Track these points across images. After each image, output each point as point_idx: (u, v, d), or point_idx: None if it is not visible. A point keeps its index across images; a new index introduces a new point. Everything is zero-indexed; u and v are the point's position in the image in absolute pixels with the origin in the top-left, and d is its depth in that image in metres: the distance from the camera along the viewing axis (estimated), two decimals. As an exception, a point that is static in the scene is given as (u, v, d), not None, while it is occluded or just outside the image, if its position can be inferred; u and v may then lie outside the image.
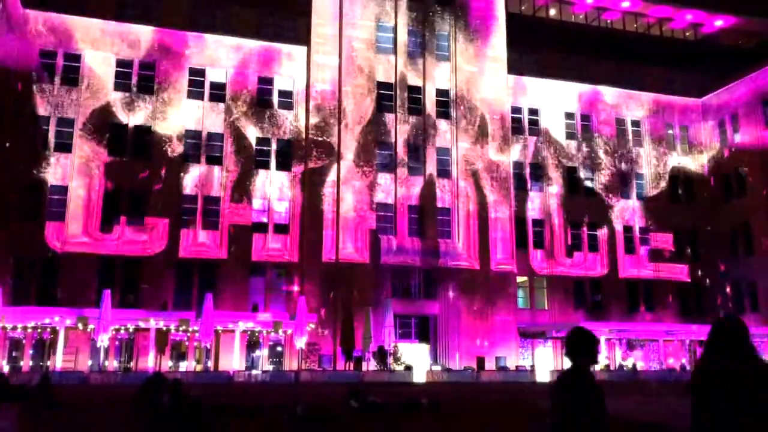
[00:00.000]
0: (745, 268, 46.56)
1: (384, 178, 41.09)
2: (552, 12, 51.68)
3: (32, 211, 36.45)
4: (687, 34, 54.63)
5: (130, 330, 34.63)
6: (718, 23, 54.04)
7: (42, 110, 37.52)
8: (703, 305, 47.89)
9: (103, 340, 31.32)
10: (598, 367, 39.30)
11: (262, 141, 40.86)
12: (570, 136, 47.51)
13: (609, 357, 41.67)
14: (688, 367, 40.39)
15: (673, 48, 52.90)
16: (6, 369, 32.46)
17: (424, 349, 39.87)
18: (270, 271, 39.84)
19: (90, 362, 34.12)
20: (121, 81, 39.25)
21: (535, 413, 17.15)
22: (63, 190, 37.12)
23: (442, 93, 43.23)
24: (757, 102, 47.19)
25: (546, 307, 44.56)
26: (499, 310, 40.99)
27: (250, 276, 39.23)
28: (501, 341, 40.39)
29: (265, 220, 40.26)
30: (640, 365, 41.98)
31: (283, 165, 40.98)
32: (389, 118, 41.87)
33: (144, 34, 39.83)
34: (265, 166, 40.69)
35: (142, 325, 33.34)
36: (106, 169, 37.83)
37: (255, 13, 43.18)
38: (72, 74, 38.45)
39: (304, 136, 41.18)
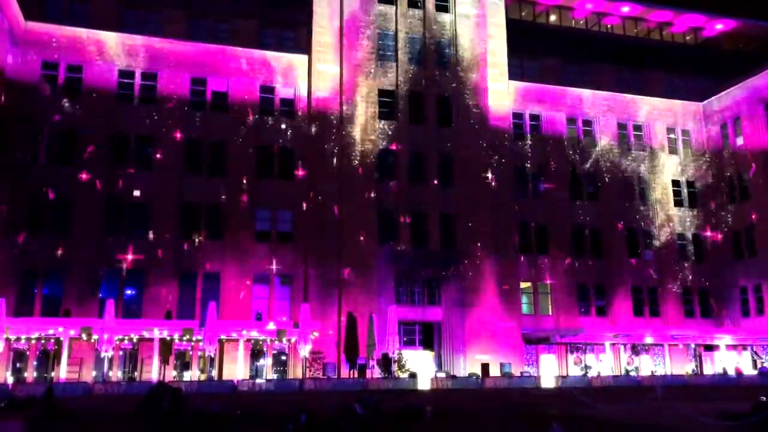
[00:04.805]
0: (749, 271, 46.45)
1: (387, 186, 41.12)
2: (552, 18, 51.79)
3: (37, 222, 36.55)
4: (687, 38, 54.68)
5: (134, 340, 34.64)
6: (719, 27, 54.08)
7: (45, 121, 37.61)
8: (708, 309, 47.80)
9: (107, 351, 31.35)
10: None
11: (265, 149, 40.93)
12: (572, 141, 47.52)
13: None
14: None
15: (674, 52, 52.98)
16: (10, 380, 32.50)
17: (428, 356, 39.78)
18: (274, 280, 39.84)
19: (94, 373, 34.13)
20: (123, 92, 39.40)
21: (539, 419, 17.13)
22: (67, 199, 37.19)
23: (443, 100, 43.32)
24: (758, 105, 47.18)
25: (550, 313, 44.45)
26: (504, 316, 40.93)
27: (253, 284, 39.22)
28: (505, 347, 40.30)
29: (268, 228, 40.33)
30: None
31: (286, 173, 41.03)
32: (390, 125, 41.95)
33: (145, 44, 40.00)
34: (269, 174, 40.73)
35: (146, 334, 33.36)
36: (109, 180, 37.91)
37: (257, 23, 43.39)
38: (74, 85, 38.62)
39: (306, 144, 41.22)
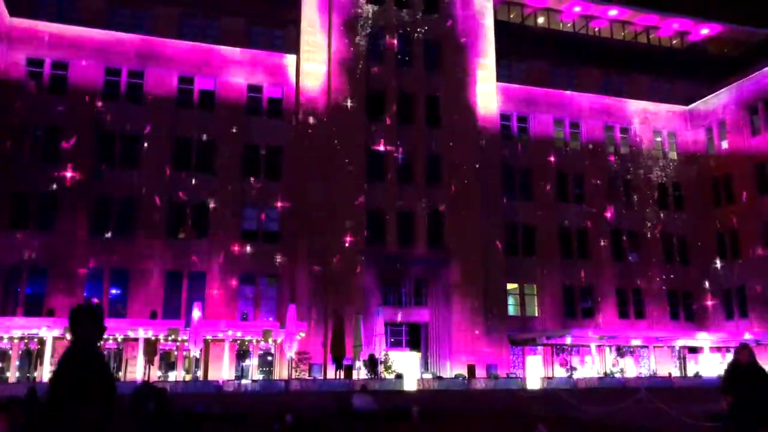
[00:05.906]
0: (733, 273, 46.85)
1: (375, 186, 41.02)
2: (540, 20, 51.97)
3: (21, 219, 36.16)
4: (674, 42, 55.07)
5: (119, 339, 34.35)
6: (705, 31, 54.46)
7: (30, 119, 37.22)
8: (693, 311, 48.17)
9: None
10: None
11: (251, 149, 40.73)
12: (559, 143, 47.76)
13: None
14: None
15: (661, 56, 53.34)
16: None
17: (414, 357, 39.76)
18: (260, 279, 39.67)
19: (78, 373, 33.71)
20: (109, 89, 39.08)
21: (525, 420, 17.15)
22: (52, 198, 36.81)
23: (432, 101, 43.30)
24: (743, 109, 47.62)
25: (536, 314, 44.60)
26: (490, 318, 40.99)
27: (240, 284, 39.02)
28: (492, 349, 40.35)
29: (255, 228, 40.16)
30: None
31: (274, 173, 40.86)
32: (379, 126, 41.88)
33: (132, 42, 39.69)
34: (256, 173, 40.55)
35: (131, 334, 33.10)
36: (94, 178, 37.56)
37: (246, 21, 43.21)
38: (59, 82, 38.26)
39: (293, 143, 41.07)
